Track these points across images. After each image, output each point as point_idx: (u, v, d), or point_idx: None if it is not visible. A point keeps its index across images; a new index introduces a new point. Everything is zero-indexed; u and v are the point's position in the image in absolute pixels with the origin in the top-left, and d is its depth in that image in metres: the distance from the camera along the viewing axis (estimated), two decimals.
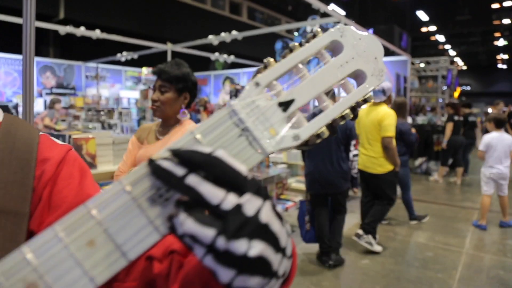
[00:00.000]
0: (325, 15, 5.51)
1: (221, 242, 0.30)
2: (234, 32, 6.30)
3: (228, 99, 5.75)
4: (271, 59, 0.35)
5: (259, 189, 0.30)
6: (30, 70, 1.77)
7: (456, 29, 21.00)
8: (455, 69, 13.12)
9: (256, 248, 0.29)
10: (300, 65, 0.36)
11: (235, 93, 4.45)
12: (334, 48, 0.38)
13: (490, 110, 11.70)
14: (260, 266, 0.30)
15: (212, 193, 0.30)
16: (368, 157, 3.90)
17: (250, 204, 0.30)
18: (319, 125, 0.34)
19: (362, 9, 16.94)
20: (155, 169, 0.31)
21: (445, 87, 11.59)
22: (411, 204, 5.02)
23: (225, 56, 9.23)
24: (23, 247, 0.33)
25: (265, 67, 0.34)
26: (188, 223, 0.30)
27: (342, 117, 0.35)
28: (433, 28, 20.78)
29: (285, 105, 0.33)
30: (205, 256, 0.30)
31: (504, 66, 29.30)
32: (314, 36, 0.37)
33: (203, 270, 0.42)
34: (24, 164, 0.53)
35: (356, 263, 3.75)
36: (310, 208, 3.64)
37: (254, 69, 9.73)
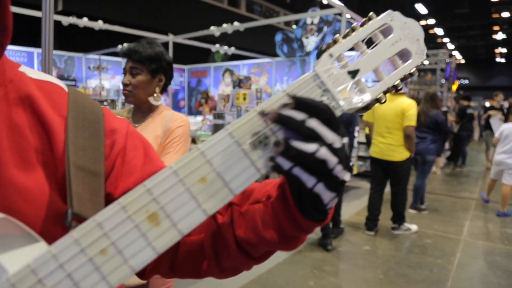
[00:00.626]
0: (325, 6, 5.56)
1: (338, 169, 0.41)
2: (236, 23, 6.36)
3: (228, 91, 5.84)
4: (339, 36, 0.44)
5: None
6: (49, 63, 1.81)
7: (455, 22, 21.06)
8: (454, 62, 13.22)
9: (349, 176, 0.41)
10: (361, 43, 0.45)
11: (238, 83, 4.53)
12: (385, 30, 0.47)
13: (488, 104, 11.82)
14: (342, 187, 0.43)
15: (328, 134, 0.40)
16: (387, 145, 4.05)
17: (345, 144, 0.41)
18: (378, 91, 0.44)
19: (361, 1, 16.98)
20: (280, 116, 0.40)
21: (443, 80, 11.69)
22: (423, 192, 5.20)
23: (225, 47, 9.27)
24: (146, 182, 0.41)
25: (335, 42, 0.44)
26: (322, 151, 0.39)
27: (394, 86, 0.45)
28: (432, 21, 20.85)
29: (352, 74, 0.43)
30: (316, 184, 0.41)
31: (503, 60, 29.45)
32: (370, 19, 0.46)
33: (271, 212, 0.52)
34: (95, 132, 0.58)
35: (357, 249, 3.87)
36: None
37: (253, 61, 9.79)
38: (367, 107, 0.45)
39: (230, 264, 0.59)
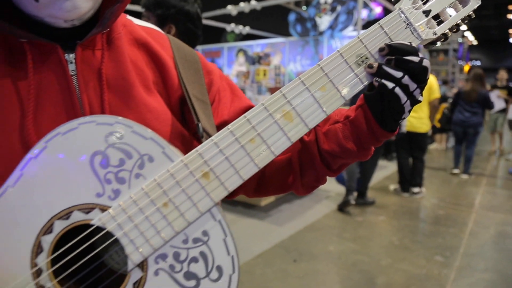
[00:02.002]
0: None
1: (417, 92, 0.56)
2: (253, 2, 6.40)
3: (242, 70, 5.94)
4: None
5: None
6: None
7: None
8: (466, 43, 13.04)
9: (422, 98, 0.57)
10: None
11: (258, 60, 4.63)
12: None
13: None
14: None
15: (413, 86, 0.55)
16: (417, 119, 4.64)
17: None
18: (445, 28, 0.57)
19: None
20: (379, 70, 0.54)
21: (456, 61, 11.60)
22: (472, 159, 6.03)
23: (240, 27, 9.30)
24: (282, 89, 0.53)
25: None
26: (405, 79, 0.54)
27: (456, 25, 0.58)
28: None
29: (426, 13, 0.56)
30: (394, 88, 0.54)
31: None
32: None
33: (351, 127, 0.64)
34: (196, 71, 0.71)
35: (373, 219, 4.03)
36: None
37: (267, 40, 9.82)
38: (435, 42, 0.58)
39: (311, 178, 0.71)
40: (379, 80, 0.54)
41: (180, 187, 0.51)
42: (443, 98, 8.74)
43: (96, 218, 0.51)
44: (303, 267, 2.93)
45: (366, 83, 0.55)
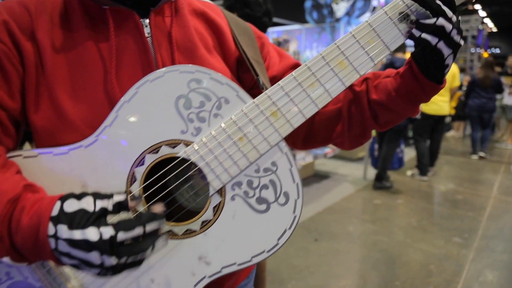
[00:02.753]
0: None
1: (454, 33, 0.61)
2: None
3: None
4: None
5: None
6: None
7: None
8: (486, 30, 12.79)
9: (462, 41, 0.64)
10: None
11: (277, 46, 4.67)
12: None
13: None
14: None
15: (448, 11, 0.61)
16: (444, 102, 4.96)
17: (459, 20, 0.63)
18: None
19: None
20: (419, 25, 0.61)
21: (474, 49, 11.42)
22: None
23: None
24: (337, 41, 0.62)
25: None
26: (440, 20, 0.59)
27: None
28: None
29: None
30: (438, 42, 0.61)
31: None
32: None
33: (400, 80, 0.70)
34: (249, 36, 0.81)
35: (392, 202, 4.09)
36: (378, 140, 4.70)
37: (283, 28, 9.81)
38: (466, 2, 0.65)
39: (358, 131, 0.78)
40: (420, 34, 0.61)
41: (252, 124, 0.60)
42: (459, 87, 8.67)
43: (182, 151, 0.60)
44: (324, 246, 3.02)
45: (407, 36, 0.63)
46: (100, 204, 0.53)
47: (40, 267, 0.61)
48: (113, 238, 0.50)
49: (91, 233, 0.50)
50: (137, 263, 0.54)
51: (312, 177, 4.74)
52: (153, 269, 0.61)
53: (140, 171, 0.60)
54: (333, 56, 0.61)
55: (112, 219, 0.52)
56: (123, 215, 0.54)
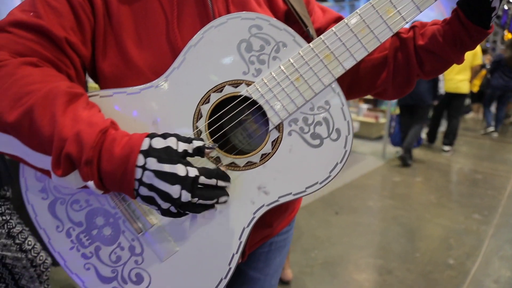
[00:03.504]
0: None
1: None
2: None
3: None
4: None
5: None
6: None
7: None
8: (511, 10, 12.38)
9: None
10: None
11: None
12: None
13: None
14: None
15: None
16: (463, 81, 5.08)
17: None
18: None
19: None
20: None
21: (499, 29, 11.09)
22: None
23: None
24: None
25: None
26: None
27: None
28: None
29: None
30: None
31: None
32: None
33: (447, 26, 0.73)
34: None
35: (411, 180, 4.12)
36: (398, 118, 4.84)
37: None
38: None
39: (402, 78, 0.80)
40: None
41: (308, 65, 0.65)
42: (482, 65, 8.50)
43: (244, 90, 0.66)
44: (345, 219, 3.09)
45: None
46: (183, 146, 0.58)
47: (117, 196, 0.68)
48: (196, 178, 0.57)
49: (180, 169, 0.56)
50: (201, 208, 0.60)
51: None
52: None
53: (206, 108, 0.67)
54: (382, 4, 0.66)
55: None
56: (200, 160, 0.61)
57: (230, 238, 0.68)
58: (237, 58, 0.66)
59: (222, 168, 0.64)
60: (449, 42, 0.73)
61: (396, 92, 0.85)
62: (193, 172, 0.57)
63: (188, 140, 0.60)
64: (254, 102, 0.66)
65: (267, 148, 0.67)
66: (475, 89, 7.32)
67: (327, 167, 0.66)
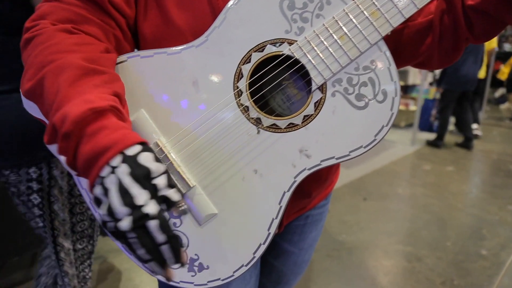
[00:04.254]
0: None
1: None
2: None
3: None
4: None
5: None
6: None
7: None
8: None
9: None
10: None
11: None
12: None
13: None
14: None
15: None
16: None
17: None
18: None
19: None
20: None
21: None
22: None
23: None
24: None
25: None
26: None
27: None
28: None
29: None
30: None
31: None
32: None
33: None
34: None
35: (442, 170, 3.99)
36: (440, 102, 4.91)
37: None
38: None
39: (449, 43, 0.74)
40: None
41: (353, 23, 0.62)
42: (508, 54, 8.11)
43: (286, 49, 0.64)
44: (373, 205, 3.03)
45: None
46: (162, 181, 0.50)
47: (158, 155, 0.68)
48: (147, 216, 0.47)
49: (142, 197, 0.48)
50: (127, 246, 0.50)
51: None
52: (257, 160, 0.66)
53: (247, 68, 0.65)
54: None
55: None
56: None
57: (270, 202, 0.66)
58: (279, 16, 0.63)
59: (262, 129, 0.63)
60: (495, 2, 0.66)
61: (442, 60, 0.79)
62: (151, 209, 0.48)
63: (171, 185, 0.51)
64: (297, 62, 0.64)
65: (309, 109, 0.65)
66: (504, 76, 7.04)
67: (372, 130, 0.64)
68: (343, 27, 0.62)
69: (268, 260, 0.99)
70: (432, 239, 2.58)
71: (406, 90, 5.94)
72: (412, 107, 5.49)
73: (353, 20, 0.62)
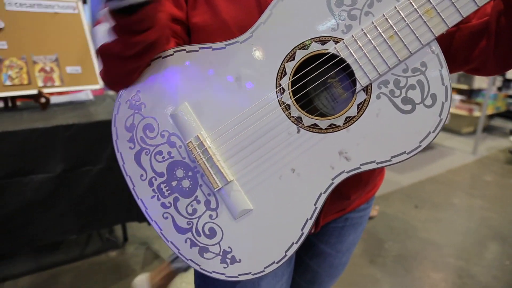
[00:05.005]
0: None
1: None
2: None
3: None
4: None
5: None
6: None
7: None
8: None
9: None
10: None
11: None
12: None
13: None
14: None
15: None
16: None
17: None
18: None
19: None
20: None
21: None
22: None
23: None
24: None
25: None
26: None
27: None
28: None
29: None
30: None
31: None
32: None
33: None
34: None
35: (504, 182, 3.69)
36: None
37: None
38: None
39: (506, 48, 0.68)
40: None
41: (405, 21, 0.58)
42: None
43: (332, 47, 0.62)
44: (425, 213, 2.88)
45: None
46: None
47: (197, 149, 0.69)
48: None
49: None
50: None
51: None
52: (296, 159, 0.65)
53: (290, 66, 0.64)
54: None
55: None
56: None
57: (306, 202, 0.65)
58: (326, 13, 0.62)
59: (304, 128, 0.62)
60: None
61: (498, 66, 0.72)
62: None
63: None
64: (342, 61, 0.62)
65: (352, 111, 0.62)
66: None
67: (417, 135, 0.60)
68: (394, 26, 0.59)
69: (304, 260, 0.98)
70: (489, 256, 2.40)
71: (471, 94, 5.54)
72: (476, 113, 5.12)
73: (405, 18, 0.59)
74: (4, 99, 1.89)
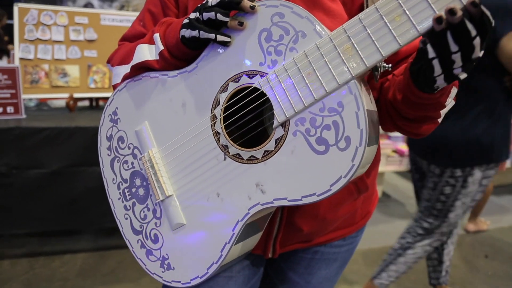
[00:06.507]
0: None
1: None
2: None
3: None
4: None
5: None
6: None
7: None
8: None
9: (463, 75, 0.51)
10: None
11: None
12: None
13: None
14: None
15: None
16: None
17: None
18: None
19: None
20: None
21: None
22: None
23: None
24: None
25: None
26: None
27: None
28: None
29: None
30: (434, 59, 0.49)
31: None
32: None
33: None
34: None
35: None
36: None
37: None
38: None
39: (390, 125, 0.70)
40: (423, 42, 0.50)
41: (323, 58, 0.54)
42: None
43: (256, 82, 0.60)
44: (494, 266, 2.45)
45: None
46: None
47: (147, 163, 0.73)
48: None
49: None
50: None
51: (504, 188, 3.81)
52: (221, 185, 0.64)
53: (223, 97, 0.64)
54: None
55: None
56: None
57: (225, 227, 0.64)
58: (257, 48, 0.60)
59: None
60: (403, 97, 0.62)
61: (408, 134, 0.72)
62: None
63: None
64: (265, 95, 0.60)
65: (270, 145, 0.59)
66: None
67: (328, 178, 0.54)
68: (312, 63, 0.55)
69: (276, 283, 0.94)
70: None
71: None
72: None
73: (323, 55, 0.54)
74: (90, 99, 2.20)
